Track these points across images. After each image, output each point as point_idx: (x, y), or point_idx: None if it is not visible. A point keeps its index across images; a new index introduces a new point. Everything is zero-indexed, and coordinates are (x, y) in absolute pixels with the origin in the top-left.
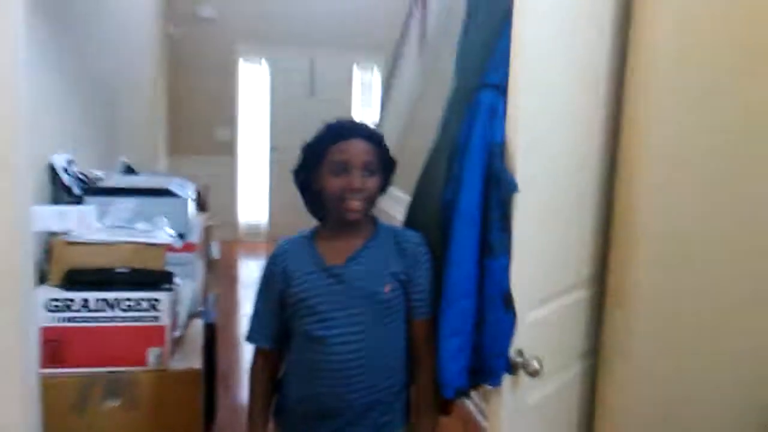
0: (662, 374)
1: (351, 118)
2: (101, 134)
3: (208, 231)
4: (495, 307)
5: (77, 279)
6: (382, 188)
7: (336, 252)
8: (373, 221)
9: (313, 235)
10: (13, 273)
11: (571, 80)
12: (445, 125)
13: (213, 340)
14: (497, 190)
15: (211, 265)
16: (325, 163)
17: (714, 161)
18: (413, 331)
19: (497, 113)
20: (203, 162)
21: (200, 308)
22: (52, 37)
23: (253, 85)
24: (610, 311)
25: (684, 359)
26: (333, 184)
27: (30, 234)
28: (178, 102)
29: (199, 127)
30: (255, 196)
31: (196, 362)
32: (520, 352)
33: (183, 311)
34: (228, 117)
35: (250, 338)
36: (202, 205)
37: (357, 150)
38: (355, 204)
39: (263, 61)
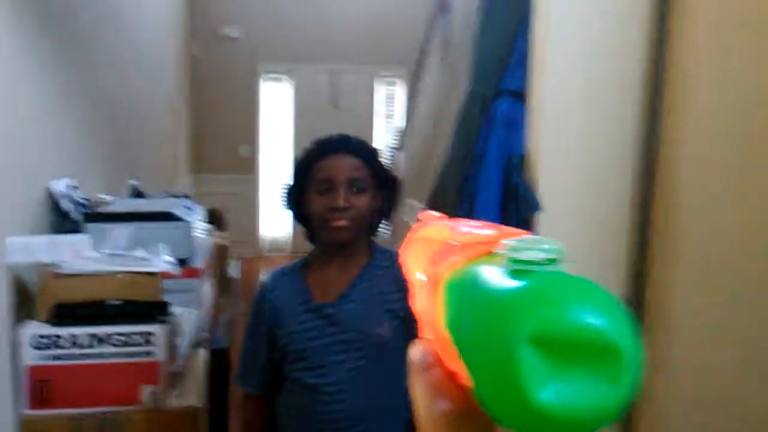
0: (704, 395)
1: (344, 134)
2: (110, 157)
3: (222, 251)
4: None
5: (66, 313)
6: (386, 210)
7: (327, 286)
8: (369, 246)
9: (305, 265)
10: None
11: (600, 83)
12: (459, 134)
13: (224, 367)
14: (516, 209)
15: (227, 285)
16: (311, 182)
17: (760, 172)
18: None
19: (516, 122)
20: (226, 180)
21: (206, 335)
22: (56, 57)
23: (276, 101)
24: (649, 331)
25: (728, 381)
26: (317, 202)
27: (2, 268)
28: (201, 121)
29: (222, 145)
30: (278, 211)
31: (195, 399)
32: None
33: (184, 342)
34: (250, 134)
35: (240, 382)
36: (218, 225)
37: (342, 166)
38: (341, 222)
39: (285, 78)
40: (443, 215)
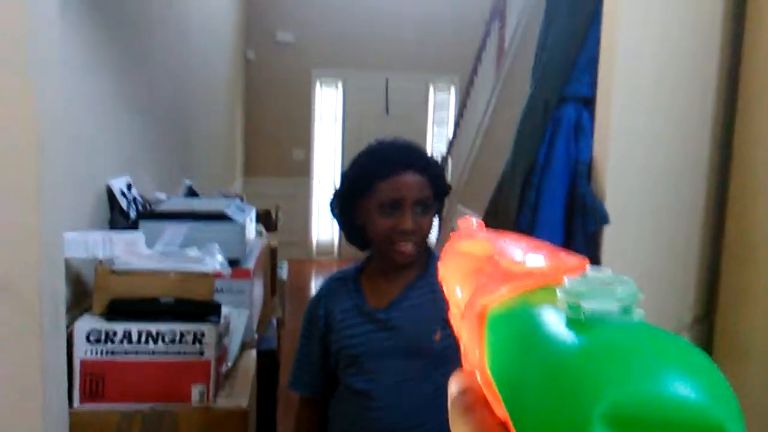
0: None
1: (405, 142)
2: (166, 156)
3: (273, 253)
4: None
5: (120, 309)
6: (439, 217)
7: (381, 292)
8: (427, 252)
9: (360, 272)
10: (38, 303)
11: (672, 91)
12: (520, 141)
13: (274, 369)
14: (583, 220)
15: (278, 287)
16: (373, 198)
17: None
18: None
19: (583, 128)
20: (279, 182)
21: (255, 336)
22: (116, 60)
23: (329, 106)
24: (721, 351)
25: None
26: (382, 224)
27: (61, 262)
28: (256, 124)
29: (275, 148)
30: (327, 213)
31: (244, 400)
32: None
33: (234, 343)
34: (304, 138)
35: (292, 385)
36: (270, 226)
37: (411, 186)
38: (408, 248)
39: (339, 83)
40: (482, 224)
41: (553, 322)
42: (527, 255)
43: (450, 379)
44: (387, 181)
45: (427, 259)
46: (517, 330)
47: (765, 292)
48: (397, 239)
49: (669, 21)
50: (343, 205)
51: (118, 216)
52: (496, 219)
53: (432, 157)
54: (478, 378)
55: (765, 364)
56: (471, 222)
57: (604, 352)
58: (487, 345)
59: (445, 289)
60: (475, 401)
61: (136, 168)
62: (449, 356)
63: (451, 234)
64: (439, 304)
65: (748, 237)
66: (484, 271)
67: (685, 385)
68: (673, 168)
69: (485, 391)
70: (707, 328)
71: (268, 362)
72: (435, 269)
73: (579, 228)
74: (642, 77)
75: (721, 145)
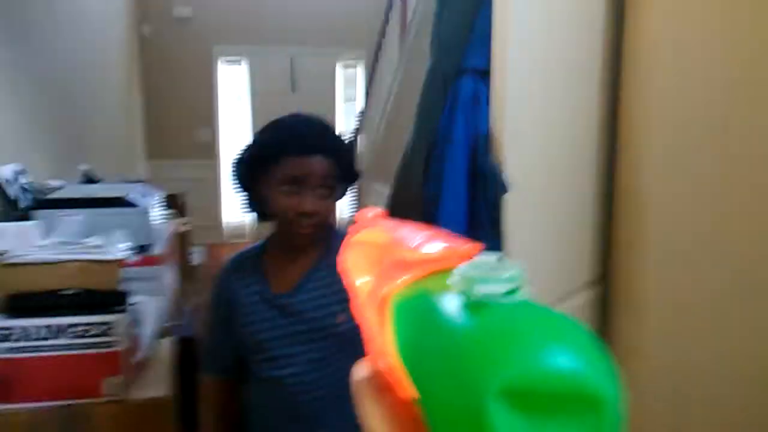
0: (673, 372)
1: (319, 122)
2: (59, 141)
3: (184, 237)
4: None
5: (19, 305)
6: (340, 196)
7: (284, 276)
8: (330, 233)
9: (262, 251)
10: None
11: (562, 63)
12: (421, 113)
13: (192, 357)
14: (484, 189)
15: (190, 272)
16: (277, 172)
17: (718, 152)
18: None
19: (480, 101)
20: (185, 165)
21: (171, 323)
22: None
23: (234, 85)
24: (617, 309)
25: (695, 356)
26: (283, 202)
27: None
28: (156, 105)
29: (179, 130)
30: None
31: (160, 389)
32: None
33: (146, 331)
34: (208, 119)
35: (203, 367)
36: (178, 211)
37: (316, 168)
38: (307, 230)
39: (243, 60)
40: (380, 214)
41: (447, 306)
42: (422, 243)
43: (354, 367)
44: (293, 159)
45: (330, 240)
46: (417, 316)
47: (653, 251)
48: (297, 220)
49: None
50: (245, 172)
51: (8, 207)
52: (403, 191)
53: (344, 140)
54: (382, 361)
55: (657, 317)
56: (369, 213)
57: (491, 331)
58: (392, 332)
59: (345, 279)
60: (382, 384)
61: (26, 156)
62: (353, 338)
63: (349, 228)
64: (340, 285)
65: (636, 196)
66: (383, 261)
67: (564, 358)
68: (566, 135)
69: (392, 377)
70: (604, 287)
71: (185, 349)
72: (337, 250)
73: (481, 197)
74: (533, 49)
75: (609, 110)
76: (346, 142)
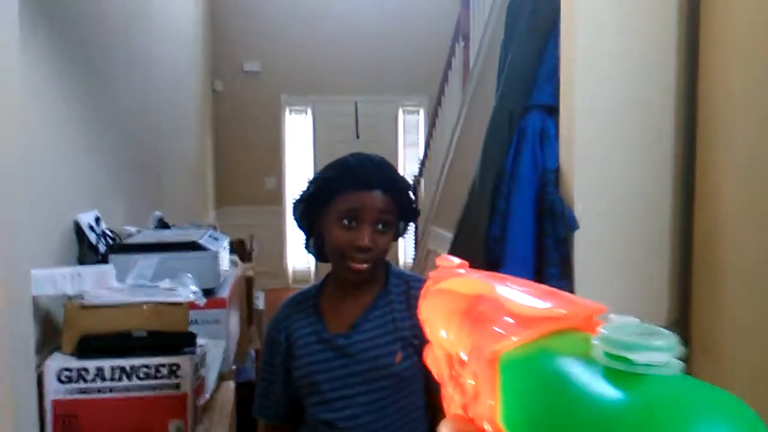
0: None
1: (379, 159)
2: (135, 189)
3: (250, 281)
4: None
5: (91, 346)
6: (397, 237)
7: (340, 316)
8: (386, 269)
9: (320, 291)
10: (6, 343)
11: (632, 97)
12: (486, 152)
13: (252, 400)
14: (553, 227)
15: (255, 317)
16: (333, 209)
17: None
18: (435, 405)
19: (548, 136)
20: (252, 212)
21: (233, 367)
22: (81, 93)
23: (299, 133)
24: (696, 355)
25: None
26: (339, 236)
27: (28, 300)
28: (226, 154)
29: (247, 177)
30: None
31: None
32: None
33: (212, 374)
34: (275, 167)
35: (257, 412)
36: (245, 255)
37: (373, 203)
38: (361, 267)
39: (308, 110)
40: (466, 263)
41: (587, 373)
42: (539, 298)
43: (441, 424)
44: (349, 194)
45: (386, 277)
46: (542, 380)
47: (732, 293)
48: (352, 255)
49: (624, 28)
50: (304, 210)
51: (87, 251)
52: (468, 230)
53: (403, 178)
54: (486, 427)
55: (735, 362)
56: (451, 260)
57: (653, 407)
58: (501, 394)
59: (427, 329)
60: None
61: (104, 202)
62: (411, 377)
63: (429, 274)
64: (398, 324)
65: (715, 237)
66: (482, 314)
67: None
68: (638, 170)
69: None
70: (683, 331)
71: (246, 393)
72: (395, 288)
73: (550, 234)
74: (602, 84)
75: (685, 147)
76: (406, 180)
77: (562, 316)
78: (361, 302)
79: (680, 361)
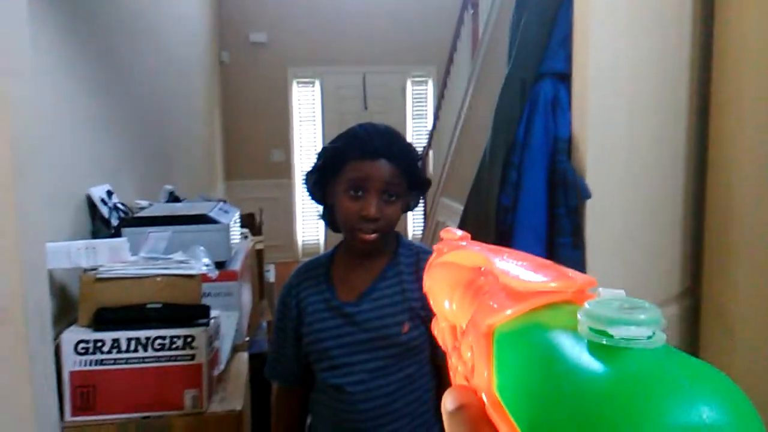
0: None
1: (385, 128)
2: (146, 163)
3: (260, 255)
4: None
5: (107, 318)
6: (408, 208)
7: (350, 284)
8: (396, 240)
9: (331, 260)
10: (22, 316)
11: (647, 63)
12: (498, 121)
13: None
14: (565, 196)
15: (265, 290)
16: (341, 179)
17: None
18: (441, 376)
19: (561, 104)
20: (260, 185)
21: (246, 339)
22: (91, 68)
23: (307, 105)
24: (708, 323)
25: None
26: (347, 206)
27: (44, 273)
28: (233, 127)
29: (255, 150)
30: (311, 215)
31: (237, 403)
32: None
33: (225, 346)
34: (283, 139)
35: (269, 375)
36: (255, 229)
37: (381, 173)
38: (369, 236)
39: (316, 81)
40: (467, 235)
41: (574, 347)
42: (533, 272)
43: (445, 394)
44: (356, 164)
45: (396, 248)
46: (532, 354)
47: (747, 261)
48: (360, 225)
49: None
50: (315, 181)
51: (100, 224)
52: (478, 201)
53: (409, 146)
54: (484, 398)
55: (749, 334)
56: (454, 233)
57: (634, 381)
58: (495, 366)
59: (431, 300)
60: (477, 418)
61: (116, 176)
62: (417, 347)
63: (434, 247)
64: (407, 294)
65: (729, 206)
66: (481, 287)
67: (714, 414)
68: (652, 139)
69: (490, 412)
70: (695, 299)
71: (259, 365)
72: (404, 258)
73: (561, 203)
74: (617, 51)
75: (699, 116)
76: (413, 150)
77: (553, 289)
78: (371, 272)
79: (663, 334)
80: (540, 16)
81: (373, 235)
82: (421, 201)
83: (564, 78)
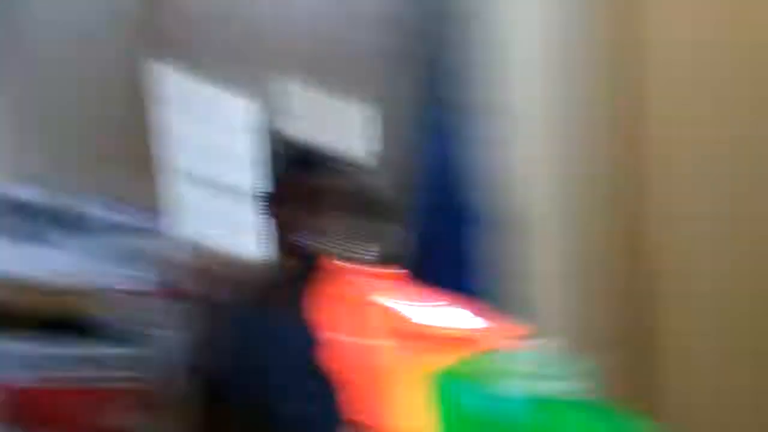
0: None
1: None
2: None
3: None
4: None
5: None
6: None
7: None
8: None
9: None
10: None
11: (560, 96)
12: (388, 146)
13: (212, 392)
14: (479, 225)
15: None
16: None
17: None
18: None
19: (454, 131)
20: None
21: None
22: None
23: None
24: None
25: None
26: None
27: None
28: None
29: None
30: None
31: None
32: None
33: (172, 365)
34: None
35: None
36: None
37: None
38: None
39: None
40: (355, 268)
41: (506, 400)
42: (459, 319)
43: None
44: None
45: None
46: (467, 402)
47: (695, 296)
48: None
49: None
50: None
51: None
52: (372, 228)
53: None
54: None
55: (701, 362)
56: (340, 266)
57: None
58: (429, 406)
59: (327, 333)
60: None
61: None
62: None
63: (320, 276)
64: None
65: (667, 230)
66: (402, 329)
67: None
68: (575, 167)
69: None
70: (647, 334)
71: (208, 385)
72: None
73: (477, 233)
74: (526, 79)
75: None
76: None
77: (482, 337)
78: None
79: (581, 387)
80: (429, 43)
81: None
82: None
83: (452, 104)
